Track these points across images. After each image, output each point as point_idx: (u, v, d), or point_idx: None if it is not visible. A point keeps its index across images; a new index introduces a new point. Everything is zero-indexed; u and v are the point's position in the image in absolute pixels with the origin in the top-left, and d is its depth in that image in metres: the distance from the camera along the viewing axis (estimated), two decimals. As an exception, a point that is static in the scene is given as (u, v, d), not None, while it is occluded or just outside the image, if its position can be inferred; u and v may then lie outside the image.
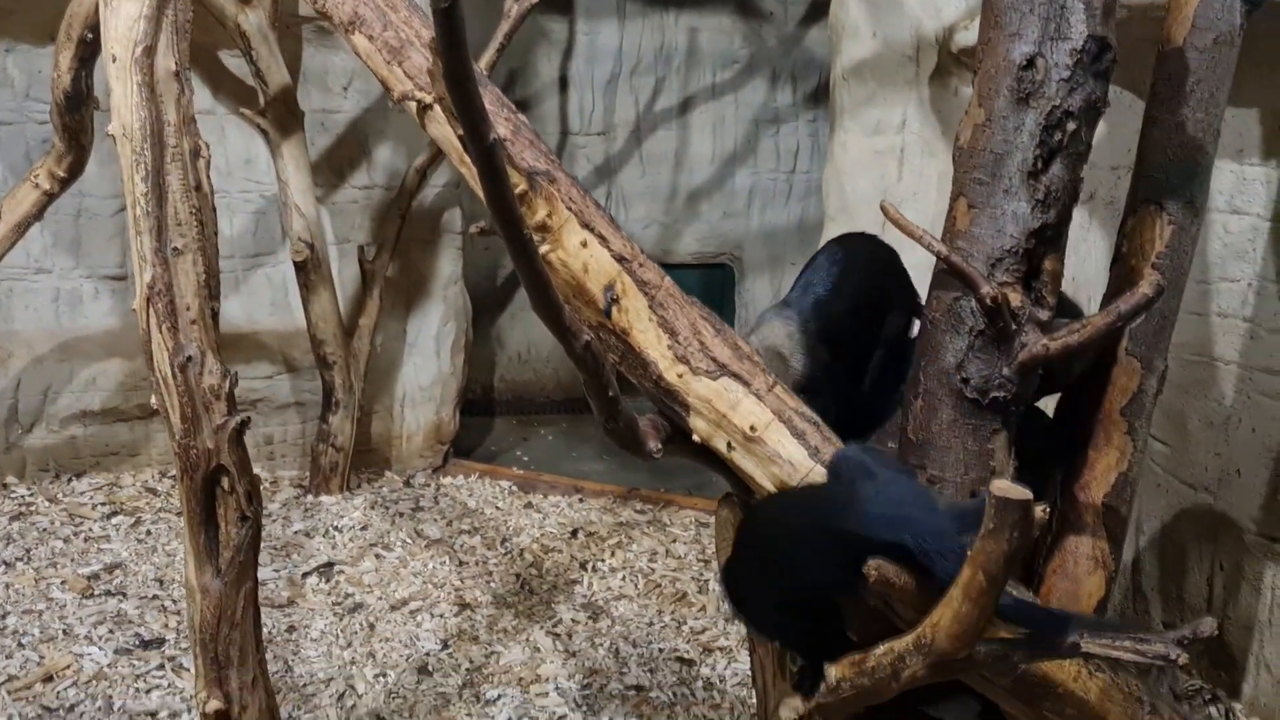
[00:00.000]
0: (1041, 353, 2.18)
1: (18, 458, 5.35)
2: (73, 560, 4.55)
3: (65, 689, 3.62)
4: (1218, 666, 3.73)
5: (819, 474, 2.20)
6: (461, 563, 4.72)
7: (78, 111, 4.17)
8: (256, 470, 2.87)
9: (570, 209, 2.31)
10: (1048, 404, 2.60)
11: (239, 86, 5.31)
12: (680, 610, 4.35)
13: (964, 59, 4.37)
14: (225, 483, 2.74)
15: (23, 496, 5.15)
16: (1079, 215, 3.08)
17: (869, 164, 4.83)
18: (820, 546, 2.08)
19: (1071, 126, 2.13)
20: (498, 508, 5.41)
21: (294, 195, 5.13)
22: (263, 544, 3.53)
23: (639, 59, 7.40)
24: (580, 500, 5.53)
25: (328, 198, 5.57)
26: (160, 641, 3.94)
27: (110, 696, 3.59)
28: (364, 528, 5.05)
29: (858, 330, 2.72)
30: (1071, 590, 2.44)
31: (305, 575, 4.55)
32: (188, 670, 3.66)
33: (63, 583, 4.35)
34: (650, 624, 4.23)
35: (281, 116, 5.07)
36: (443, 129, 2.46)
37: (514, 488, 5.69)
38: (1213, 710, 3.61)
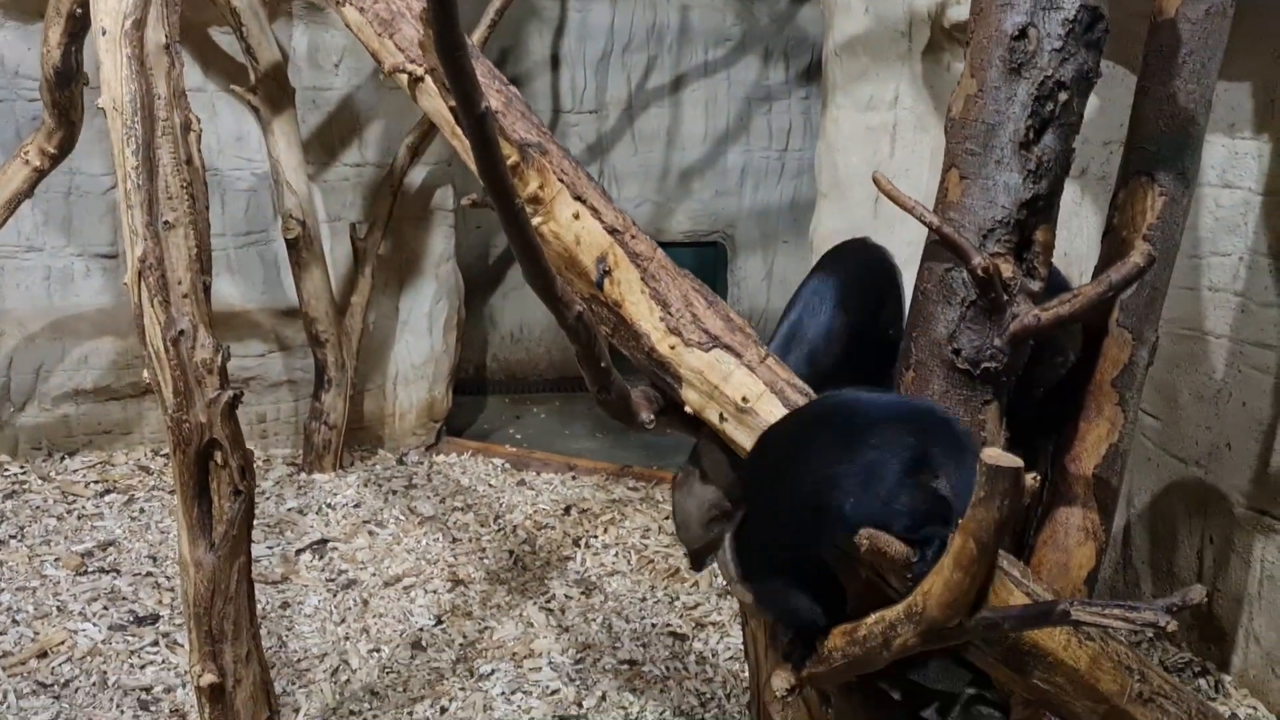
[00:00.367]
0: (1033, 323, 2.19)
1: (10, 436, 5.34)
2: (66, 538, 4.56)
3: (60, 665, 3.63)
4: (1207, 640, 3.76)
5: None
6: (455, 539, 4.73)
7: (67, 87, 4.14)
8: (249, 448, 2.88)
9: (562, 181, 2.30)
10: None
11: (230, 64, 5.29)
12: (673, 586, 4.37)
13: (956, 34, 4.36)
14: (218, 457, 2.74)
15: (15, 475, 5.14)
16: (1071, 190, 3.09)
17: (861, 140, 4.82)
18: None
19: (1064, 97, 2.13)
20: (491, 485, 5.42)
21: (285, 172, 5.12)
22: (256, 521, 3.54)
23: (631, 36, 7.38)
24: (573, 478, 5.54)
25: (319, 175, 5.55)
26: (154, 618, 3.95)
27: (105, 672, 3.60)
28: (357, 505, 5.06)
29: (855, 376, 2.46)
30: (1062, 561, 2.46)
31: (299, 552, 4.56)
32: (182, 646, 3.67)
33: (56, 560, 4.35)
34: (643, 599, 4.25)
35: (272, 93, 5.05)
36: (434, 102, 2.45)
37: (507, 465, 5.69)
38: (1202, 682, 3.64)
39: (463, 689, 3.59)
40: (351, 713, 3.45)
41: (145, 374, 2.72)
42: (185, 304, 2.65)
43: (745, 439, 2.26)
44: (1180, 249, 2.51)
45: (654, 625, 4.04)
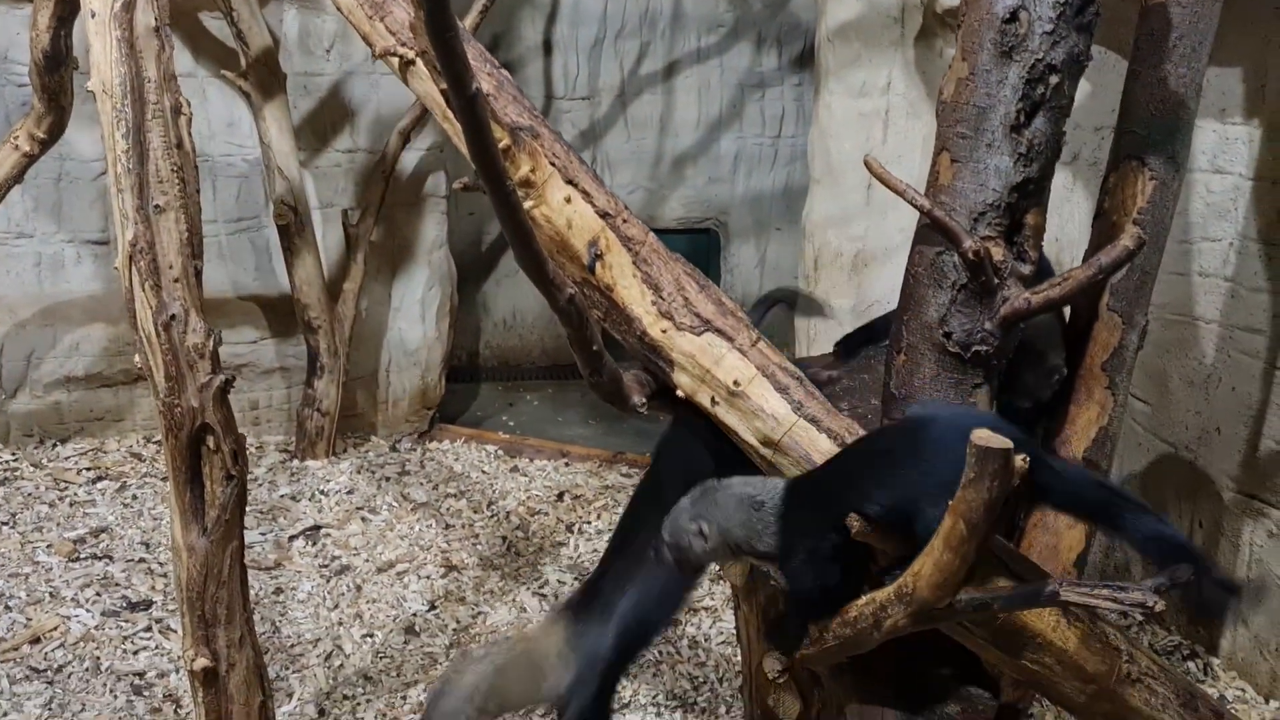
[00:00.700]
0: (1024, 306, 2.20)
1: (1, 423, 5.33)
2: (58, 524, 4.55)
3: (53, 650, 3.63)
4: (1196, 623, 3.78)
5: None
6: (448, 526, 4.74)
7: (57, 72, 4.12)
8: (241, 433, 2.88)
9: (554, 164, 2.30)
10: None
11: (220, 49, 5.26)
12: (666, 571, 4.37)
13: (949, 19, 4.36)
14: (210, 441, 2.74)
15: (7, 462, 5.14)
16: (1062, 176, 3.09)
17: (854, 126, 4.83)
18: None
19: (1054, 80, 2.13)
20: (484, 472, 5.43)
21: (277, 158, 5.10)
22: (249, 508, 3.54)
23: (624, 22, 7.36)
24: (566, 464, 5.55)
25: (311, 161, 5.53)
26: (148, 604, 3.95)
27: (98, 658, 3.60)
28: (350, 491, 5.06)
29: None
30: (1052, 544, 2.47)
31: (292, 538, 4.56)
32: (175, 632, 3.68)
33: (49, 546, 4.35)
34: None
35: (263, 79, 5.03)
36: (426, 85, 2.45)
37: (500, 452, 5.70)
38: (1191, 665, 3.66)
39: (456, 673, 3.60)
40: (345, 697, 3.46)
41: (136, 359, 2.72)
42: (176, 288, 2.64)
43: (737, 422, 2.27)
44: (1170, 234, 2.52)
45: (646, 610, 4.05)
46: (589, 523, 4.81)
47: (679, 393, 2.32)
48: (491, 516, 4.86)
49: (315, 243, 5.30)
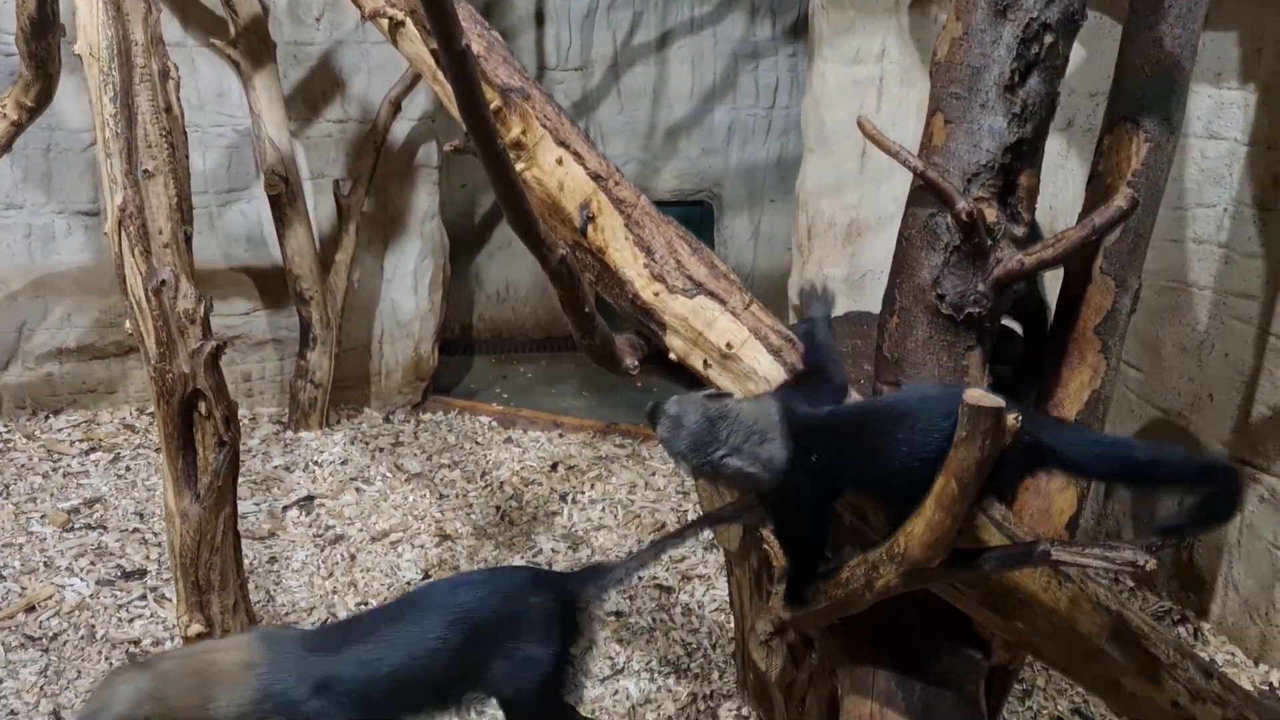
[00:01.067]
0: (1016, 268, 2.19)
1: (-7, 395, 5.32)
2: (52, 495, 4.55)
3: (48, 619, 3.63)
4: (1187, 588, 3.80)
5: None
6: (442, 495, 4.74)
7: (44, 38, 4.08)
8: (234, 400, 2.87)
9: (545, 126, 2.29)
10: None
11: (209, 17, 5.22)
12: (660, 540, 4.39)
13: (944, -15, 4.34)
14: (202, 408, 2.74)
15: (0, 433, 5.13)
16: (1056, 143, 3.08)
17: (848, 93, 4.80)
18: None
19: (1049, 39, 2.11)
20: (477, 442, 5.43)
21: (267, 128, 5.07)
22: (242, 478, 3.54)
23: (616, -8, 7.31)
24: (560, 435, 5.55)
25: (301, 132, 5.50)
26: (142, 573, 3.95)
27: (93, 625, 3.61)
28: (344, 462, 5.06)
29: None
30: (1043, 507, 2.47)
31: (286, 508, 4.56)
32: (170, 600, 3.68)
33: (42, 517, 4.35)
34: (629, 553, 4.26)
35: (253, 47, 4.99)
36: (416, 47, 2.43)
37: (494, 423, 5.70)
38: (1181, 630, 3.68)
39: (450, 641, 3.61)
40: (339, 664, 3.47)
41: (127, 325, 2.71)
42: (166, 254, 2.64)
43: (730, 384, 2.26)
44: (1164, 200, 2.51)
45: (640, 578, 4.06)
46: (582, 492, 4.82)
47: (671, 356, 2.32)
48: (485, 486, 4.86)
49: (307, 213, 5.27)
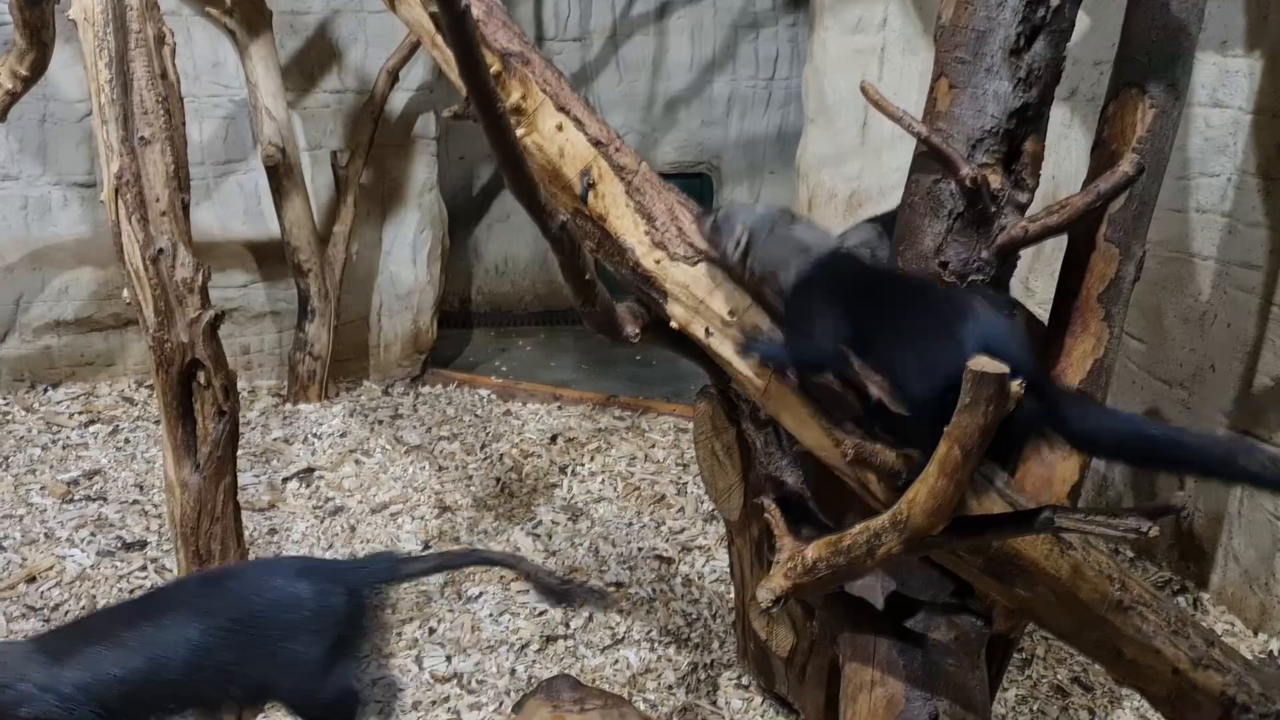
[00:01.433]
0: (1020, 235, 2.18)
1: (-9, 368, 5.31)
2: (51, 467, 4.54)
3: (49, 589, 3.63)
4: (1186, 559, 3.81)
5: None
6: (441, 468, 4.74)
7: (38, 5, 4.03)
8: (232, 370, 2.86)
9: (545, 92, 2.27)
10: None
11: (204, -14, 5.17)
12: (659, 511, 4.39)
13: (947, -47, 4.29)
14: (201, 378, 2.73)
15: (-2, 406, 5.13)
16: (1060, 112, 3.06)
17: (849, 63, 4.77)
18: None
19: (1055, 2, 2.10)
20: (477, 415, 5.42)
21: (264, 98, 5.03)
22: (241, 450, 3.53)
23: (616, -38, 7.25)
24: (559, 408, 5.54)
25: (299, 102, 5.46)
26: (142, 544, 3.95)
27: (94, 596, 3.61)
28: (343, 434, 5.05)
29: None
30: (1045, 476, 2.47)
31: (285, 480, 4.56)
32: (171, 572, 3.67)
33: (42, 488, 4.34)
34: (629, 525, 4.27)
35: (249, 15, 4.95)
36: (414, 11, 2.41)
37: (493, 396, 5.69)
38: (1181, 600, 3.69)
39: (451, 611, 3.62)
40: (340, 635, 3.47)
41: (125, 294, 2.69)
42: (164, 222, 2.62)
43: (731, 353, 2.25)
44: (1168, 170, 2.49)
45: (640, 549, 4.07)
46: (582, 464, 4.82)
47: (673, 324, 2.30)
48: (485, 459, 4.86)
49: (304, 185, 5.24)
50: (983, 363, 1.74)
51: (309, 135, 5.51)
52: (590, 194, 2.26)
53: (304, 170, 5.28)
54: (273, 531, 4.11)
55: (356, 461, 4.77)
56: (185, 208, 2.69)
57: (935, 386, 1.78)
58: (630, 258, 2.28)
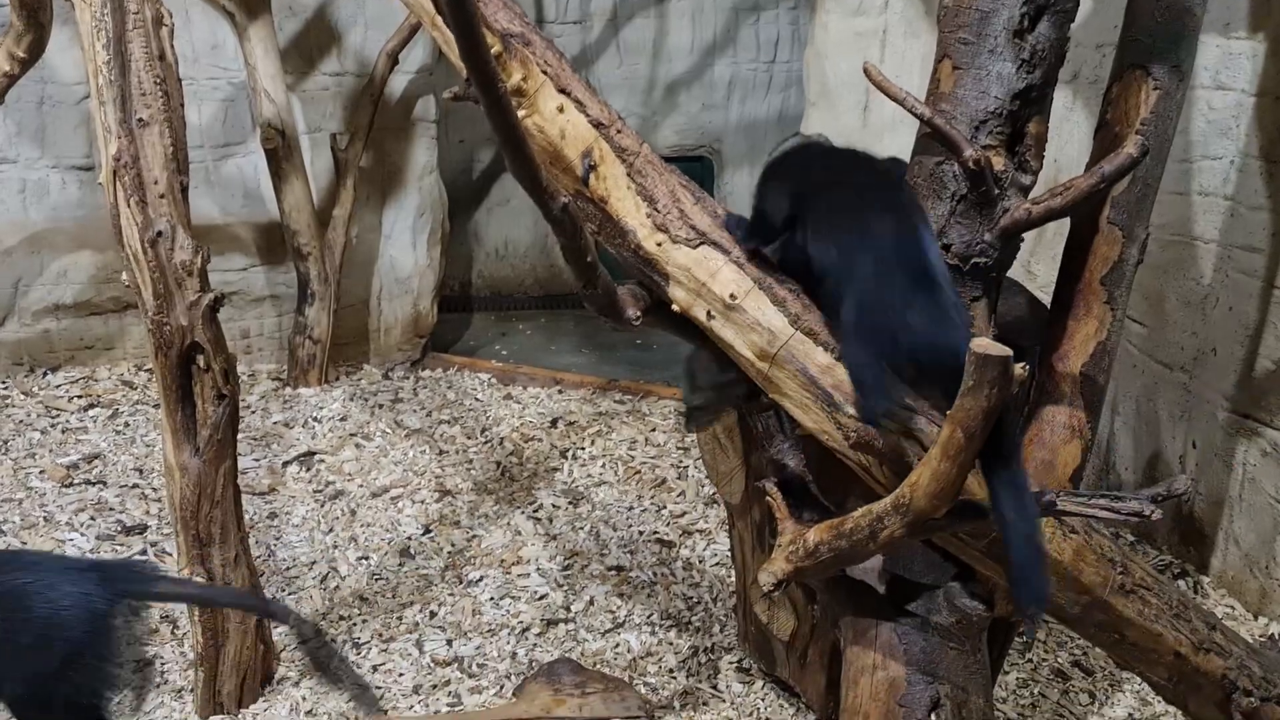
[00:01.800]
0: (1024, 217, 2.17)
1: (-10, 352, 5.30)
2: (51, 451, 4.54)
3: (48, 574, 3.63)
4: (1187, 542, 3.81)
5: None
6: (442, 451, 4.74)
7: (35, -12, 4.02)
8: (232, 353, 2.85)
9: (546, 73, 2.25)
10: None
11: (202, -32, 5.14)
12: (660, 495, 4.39)
13: (949, -66, 4.26)
14: (200, 361, 2.72)
15: (-3, 390, 5.12)
16: (1062, 95, 3.04)
17: (850, 46, 4.74)
18: None
19: (1059, -18, 2.08)
20: (477, 399, 5.42)
21: (263, 81, 5.01)
22: (241, 434, 3.52)
23: (616, -57, 7.20)
24: (560, 392, 5.54)
25: (298, 85, 5.43)
26: (142, 528, 3.95)
27: (94, 580, 3.61)
28: (343, 418, 5.05)
29: None
30: (1048, 459, 2.46)
31: (285, 464, 4.55)
32: (171, 555, 3.68)
33: (42, 472, 4.34)
34: (630, 508, 4.27)
35: (248, -2, 4.92)
36: (413, -9, 2.38)
37: (493, 380, 5.68)
38: (1181, 584, 3.69)
39: (451, 594, 3.62)
40: (341, 618, 3.48)
41: (124, 277, 2.68)
42: (162, 204, 2.60)
43: (733, 336, 2.24)
44: (1170, 154, 2.48)
45: (641, 533, 4.07)
46: (582, 448, 4.81)
47: (674, 307, 2.29)
48: (485, 443, 4.86)
49: (304, 168, 5.22)
50: (985, 344, 1.74)
51: (308, 118, 5.49)
52: (592, 176, 2.25)
53: (303, 153, 5.26)
54: (273, 515, 4.11)
55: (357, 445, 4.77)
56: (184, 190, 2.67)
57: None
58: (632, 240, 2.26)
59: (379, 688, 3.11)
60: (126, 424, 4.86)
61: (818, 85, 5.00)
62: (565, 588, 3.68)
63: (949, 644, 2.32)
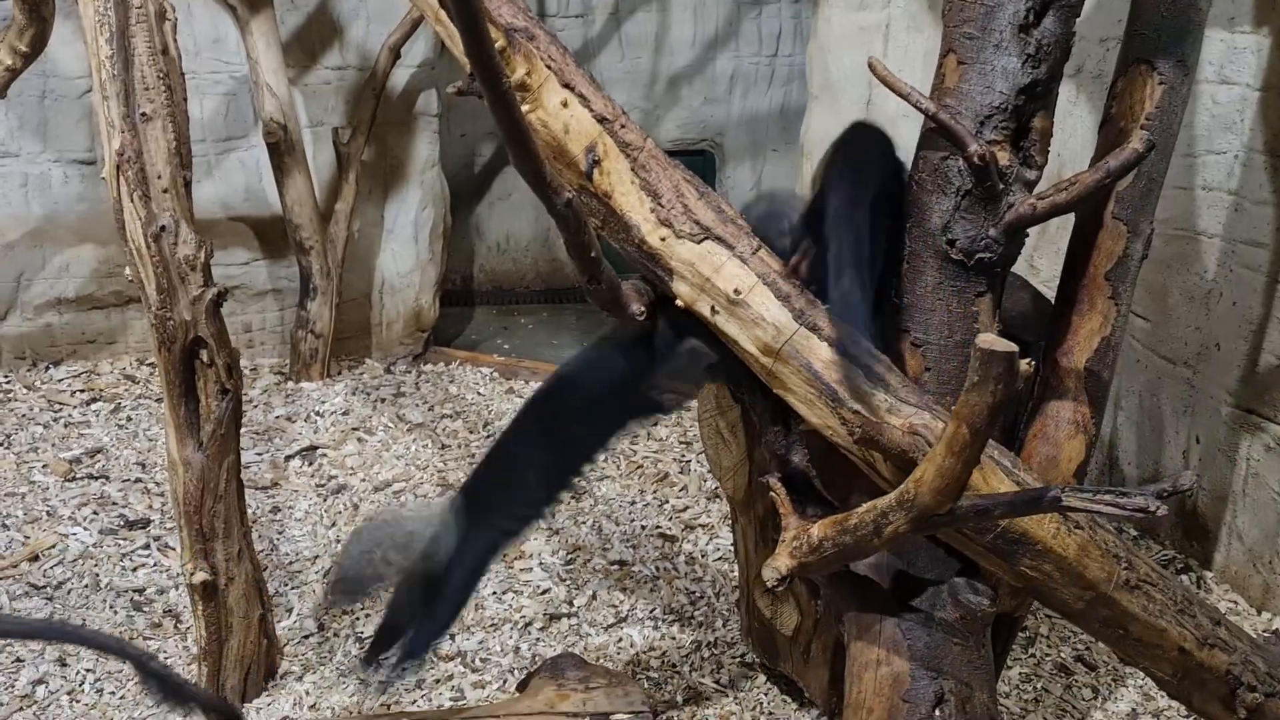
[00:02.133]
0: (1029, 212, 2.16)
1: (-7, 346, 5.30)
2: (53, 445, 4.54)
3: (51, 568, 3.64)
4: (1190, 537, 3.81)
5: None
6: (444, 446, 4.74)
7: (37, -18, 4.01)
8: (235, 348, 2.85)
9: (550, 67, 2.24)
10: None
11: (204, -39, 5.14)
12: (662, 490, 4.39)
13: (953, -72, 4.25)
14: (204, 355, 2.72)
15: (0, 384, 5.11)
16: (1066, 90, 3.04)
17: (853, 40, 4.73)
18: None
19: (1065, -23, 2.07)
20: (479, 393, 5.42)
21: (265, 74, 5.00)
22: (244, 428, 3.52)
23: (618, -64, 7.19)
24: (562, 386, 5.53)
25: (300, 79, 5.43)
26: (145, 522, 3.95)
27: (97, 574, 3.61)
28: (345, 413, 5.05)
29: None
30: (1051, 455, 2.46)
31: (288, 458, 4.56)
32: (174, 550, 3.68)
33: (44, 466, 4.34)
34: (632, 503, 4.27)
35: (249, -9, 4.91)
36: (417, -15, 2.38)
37: (495, 374, 5.68)
38: (1184, 579, 3.69)
39: (454, 589, 3.62)
40: (344, 612, 3.48)
41: (127, 271, 2.68)
42: (166, 199, 2.60)
43: (737, 331, 2.23)
44: (1174, 149, 2.47)
45: (643, 527, 4.07)
46: (585, 443, 4.81)
47: (678, 302, 2.29)
48: (488, 437, 4.86)
49: (306, 162, 5.22)
50: (991, 340, 1.74)
51: (310, 112, 5.49)
52: (595, 171, 2.24)
53: (305, 147, 5.26)
54: (275, 510, 4.12)
55: (359, 439, 4.77)
56: (187, 185, 2.67)
57: None
58: (636, 235, 2.26)
59: (382, 681, 3.11)
60: (129, 418, 4.86)
61: (820, 79, 4.99)
62: (568, 582, 3.68)
63: (953, 639, 2.32)
